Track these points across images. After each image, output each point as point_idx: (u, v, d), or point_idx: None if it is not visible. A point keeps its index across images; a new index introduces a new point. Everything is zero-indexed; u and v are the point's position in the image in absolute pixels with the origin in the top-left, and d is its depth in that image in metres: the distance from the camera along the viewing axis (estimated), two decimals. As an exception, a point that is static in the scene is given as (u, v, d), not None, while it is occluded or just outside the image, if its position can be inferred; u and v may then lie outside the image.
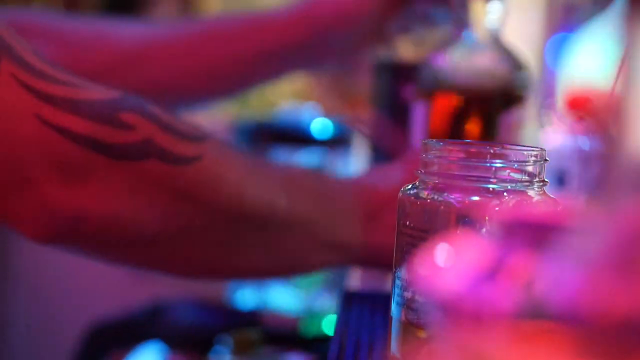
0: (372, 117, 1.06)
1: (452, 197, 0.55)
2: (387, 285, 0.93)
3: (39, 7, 2.32)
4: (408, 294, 0.56)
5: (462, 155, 0.56)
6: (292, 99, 1.85)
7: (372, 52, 1.08)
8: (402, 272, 0.57)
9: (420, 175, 0.57)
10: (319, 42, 1.03)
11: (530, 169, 0.55)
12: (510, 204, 0.53)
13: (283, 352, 1.13)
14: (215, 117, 2.16)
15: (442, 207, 0.55)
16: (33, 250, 1.82)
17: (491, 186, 0.54)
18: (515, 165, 0.55)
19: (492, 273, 0.31)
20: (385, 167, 0.83)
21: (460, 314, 0.31)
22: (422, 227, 0.56)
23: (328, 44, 1.04)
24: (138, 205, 0.65)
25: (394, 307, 0.57)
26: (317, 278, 1.35)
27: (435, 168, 0.56)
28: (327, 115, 1.46)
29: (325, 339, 1.25)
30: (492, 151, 0.55)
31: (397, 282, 0.57)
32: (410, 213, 0.56)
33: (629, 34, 0.30)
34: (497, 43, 0.88)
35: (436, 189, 0.56)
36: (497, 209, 0.52)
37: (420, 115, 0.87)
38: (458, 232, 0.53)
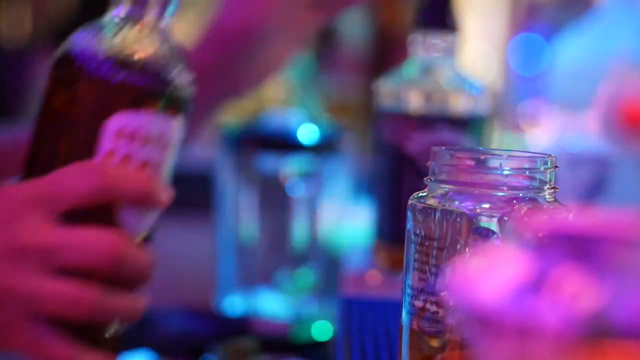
0: None
1: (464, 205, 0.54)
2: (382, 292, 0.93)
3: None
4: (419, 303, 0.56)
5: (472, 162, 0.56)
6: (278, 104, 1.84)
7: None
8: (412, 281, 0.57)
9: (429, 183, 0.57)
10: (228, 61, 0.98)
11: (541, 175, 0.55)
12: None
13: (278, 359, 1.13)
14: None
15: (453, 216, 0.54)
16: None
17: (502, 193, 0.54)
18: (527, 172, 0.55)
19: (536, 286, 0.31)
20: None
21: (503, 328, 0.31)
22: (432, 236, 0.55)
23: (240, 61, 0.99)
24: None
25: (404, 316, 0.57)
26: (306, 284, 1.34)
27: (444, 176, 0.56)
28: (313, 120, 1.45)
29: (317, 344, 1.25)
30: (502, 158, 0.55)
31: (407, 290, 0.57)
32: (420, 221, 0.56)
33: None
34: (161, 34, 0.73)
35: (446, 197, 0.55)
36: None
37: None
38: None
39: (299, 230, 1.36)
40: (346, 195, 1.40)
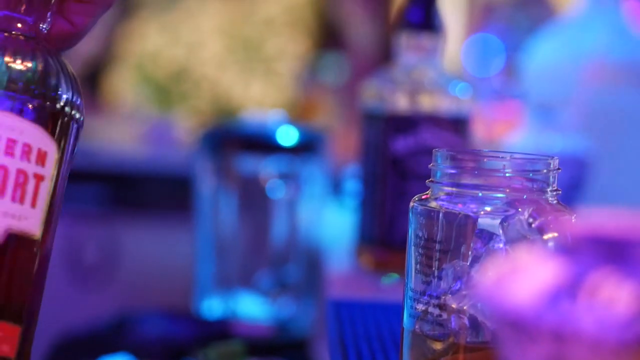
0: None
1: (467, 207, 0.54)
2: (368, 294, 0.92)
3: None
4: (421, 306, 0.56)
5: (474, 165, 0.55)
6: (257, 106, 1.83)
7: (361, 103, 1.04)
8: (414, 283, 0.56)
9: (432, 186, 0.56)
10: None
11: (543, 177, 0.55)
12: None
13: (264, 361, 1.12)
14: (180, 125, 2.13)
15: (456, 218, 0.54)
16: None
17: (504, 195, 0.54)
18: (530, 174, 0.55)
19: (572, 291, 0.31)
20: None
21: (540, 334, 0.31)
22: (434, 238, 0.55)
23: None
24: None
25: (405, 319, 0.57)
26: (286, 285, 1.34)
27: (447, 178, 0.56)
28: (292, 122, 1.45)
29: (298, 345, 1.24)
30: (505, 160, 0.55)
31: (409, 293, 0.57)
32: (422, 224, 0.56)
33: None
34: None
35: (449, 199, 0.55)
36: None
37: None
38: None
39: (278, 232, 1.36)
40: (325, 196, 1.39)
